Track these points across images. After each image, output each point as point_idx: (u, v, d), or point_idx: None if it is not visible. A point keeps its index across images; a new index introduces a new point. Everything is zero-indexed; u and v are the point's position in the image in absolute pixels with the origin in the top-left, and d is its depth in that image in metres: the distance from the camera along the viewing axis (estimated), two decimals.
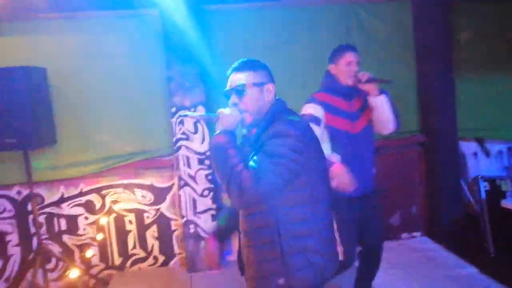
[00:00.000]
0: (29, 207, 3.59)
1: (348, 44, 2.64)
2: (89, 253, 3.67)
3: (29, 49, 3.45)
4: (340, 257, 2.44)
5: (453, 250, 3.71)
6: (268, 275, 1.65)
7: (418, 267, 3.51)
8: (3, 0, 3.22)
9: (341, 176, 2.28)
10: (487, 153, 4.19)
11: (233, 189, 1.53)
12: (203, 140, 3.61)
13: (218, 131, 1.66)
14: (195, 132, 3.60)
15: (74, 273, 3.34)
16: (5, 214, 3.59)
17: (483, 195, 3.90)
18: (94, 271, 3.70)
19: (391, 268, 3.50)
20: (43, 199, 3.61)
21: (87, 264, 3.69)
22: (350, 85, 2.53)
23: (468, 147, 4.17)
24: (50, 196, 3.63)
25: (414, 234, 4.12)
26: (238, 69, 1.75)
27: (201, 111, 3.58)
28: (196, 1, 3.55)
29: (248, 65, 1.75)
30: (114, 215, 3.72)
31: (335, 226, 2.38)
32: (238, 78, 1.73)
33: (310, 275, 1.63)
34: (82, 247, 3.70)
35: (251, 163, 1.57)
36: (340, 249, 2.47)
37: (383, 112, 2.53)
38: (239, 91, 1.72)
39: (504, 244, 3.73)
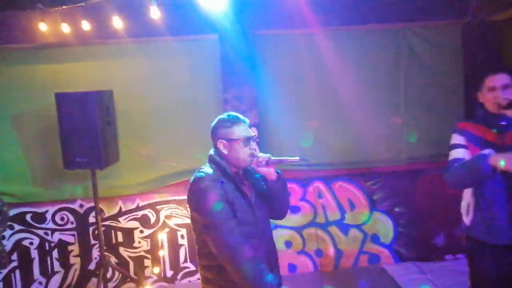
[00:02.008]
0: (90, 220, 3.81)
1: (495, 65, 2.36)
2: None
3: (99, 72, 3.69)
4: None
5: None
6: None
7: None
8: (82, 25, 3.45)
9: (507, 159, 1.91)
10: None
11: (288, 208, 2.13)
12: None
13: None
14: None
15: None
16: (68, 226, 3.82)
17: None
18: (147, 282, 3.88)
19: None
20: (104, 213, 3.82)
21: (141, 276, 3.88)
22: (497, 113, 2.15)
23: None
24: (109, 210, 3.84)
25: (458, 256, 4.13)
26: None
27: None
28: (251, 26, 3.70)
29: None
30: (167, 229, 3.90)
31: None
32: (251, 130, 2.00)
33: None
34: (137, 259, 3.89)
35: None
36: None
37: None
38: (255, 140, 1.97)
39: None
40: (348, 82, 3.93)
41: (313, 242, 4.06)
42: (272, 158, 1.93)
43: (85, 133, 3.18)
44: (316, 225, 4.06)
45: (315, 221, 4.05)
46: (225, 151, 1.91)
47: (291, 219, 4.03)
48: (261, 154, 1.94)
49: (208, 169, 1.89)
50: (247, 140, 1.90)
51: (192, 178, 1.90)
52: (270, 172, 1.94)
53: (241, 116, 1.95)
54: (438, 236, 4.13)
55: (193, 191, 1.86)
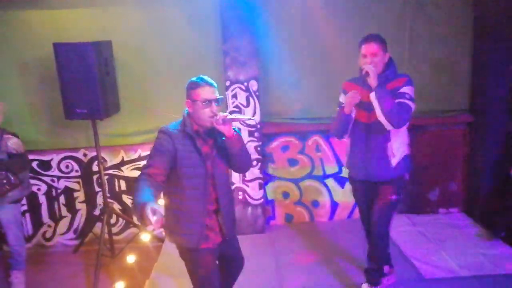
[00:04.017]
0: (94, 168, 3.93)
1: (368, 34, 2.59)
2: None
3: (97, 21, 3.61)
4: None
5: (489, 229, 3.84)
6: None
7: (452, 242, 3.65)
8: None
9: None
10: None
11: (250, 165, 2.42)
12: (254, 113, 3.76)
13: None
14: (247, 105, 3.75)
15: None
16: (73, 174, 3.95)
17: None
18: (150, 228, 4.06)
19: (426, 242, 3.69)
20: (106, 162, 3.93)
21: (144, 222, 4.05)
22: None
23: None
24: (112, 160, 3.94)
25: (451, 210, 4.25)
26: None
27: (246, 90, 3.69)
28: None
29: None
30: None
31: None
32: None
33: None
34: None
35: None
36: None
37: (375, 109, 2.52)
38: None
39: None
40: (352, 33, 3.81)
41: (310, 194, 4.18)
42: (229, 117, 2.15)
43: (84, 84, 3.18)
44: (314, 177, 4.15)
45: (313, 173, 4.14)
46: (190, 110, 2.17)
47: (290, 171, 4.12)
48: (220, 113, 2.15)
49: (174, 123, 2.19)
50: (208, 102, 2.12)
51: None
52: (227, 129, 2.15)
53: (209, 80, 2.16)
54: (432, 191, 4.22)
55: None
